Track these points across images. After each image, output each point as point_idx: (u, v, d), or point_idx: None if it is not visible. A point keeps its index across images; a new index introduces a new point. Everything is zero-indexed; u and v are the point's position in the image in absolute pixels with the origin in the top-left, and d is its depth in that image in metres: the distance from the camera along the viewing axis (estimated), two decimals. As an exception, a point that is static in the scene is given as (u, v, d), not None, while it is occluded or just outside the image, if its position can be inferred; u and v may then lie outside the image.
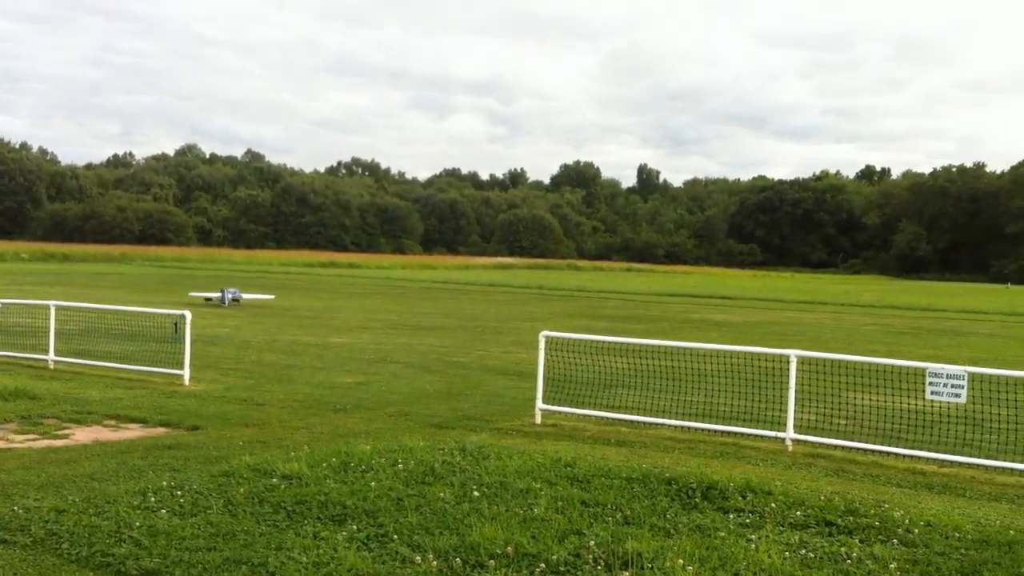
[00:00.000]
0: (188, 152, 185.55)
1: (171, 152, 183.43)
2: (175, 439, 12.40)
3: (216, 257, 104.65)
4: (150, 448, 11.69)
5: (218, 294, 39.87)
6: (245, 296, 41.32)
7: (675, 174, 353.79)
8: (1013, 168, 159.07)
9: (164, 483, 9.48)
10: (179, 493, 9.09)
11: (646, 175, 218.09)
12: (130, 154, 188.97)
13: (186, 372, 17.25)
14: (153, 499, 8.87)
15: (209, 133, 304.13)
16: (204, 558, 7.34)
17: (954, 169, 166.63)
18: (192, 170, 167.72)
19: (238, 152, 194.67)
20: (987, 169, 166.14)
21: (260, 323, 31.45)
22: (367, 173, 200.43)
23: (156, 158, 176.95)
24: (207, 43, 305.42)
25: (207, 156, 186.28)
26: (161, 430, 13.15)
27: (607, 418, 14.80)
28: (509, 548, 7.61)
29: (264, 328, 29.56)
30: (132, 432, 12.94)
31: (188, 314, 17.52)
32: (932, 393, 12.34)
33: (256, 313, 36.06)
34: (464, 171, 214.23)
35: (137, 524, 8.09)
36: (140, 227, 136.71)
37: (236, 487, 9.35)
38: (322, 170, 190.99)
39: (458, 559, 7.41)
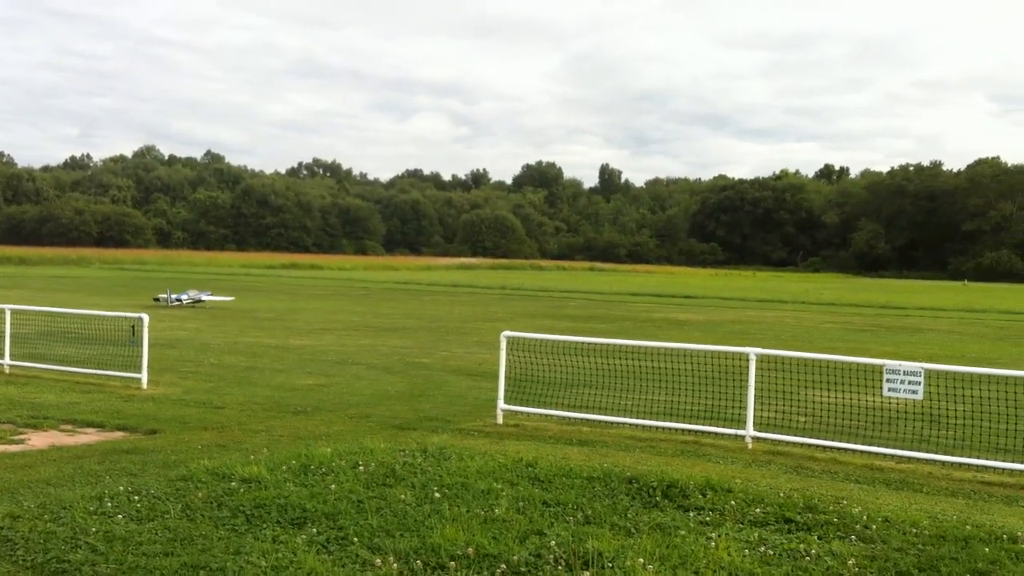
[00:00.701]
0: (147, 154, 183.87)
1: (129, 154, 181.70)
2: (132, 443, 12.25)
3: (176, 259, 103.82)
4: (107, 453, 11.55)
5: (164, 294, 40.36)
6: (204, 297, 41.15)
7: (637, 174, 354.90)
8: (970, 167, 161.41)
9: (121, 488, 9.36)
10: (136, 498, 8.98)
11: (608, 175, 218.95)
12: (88, 156, 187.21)
13: (144, 376, 17.06)
14: (110, 504, 8.75)
15: (168, 135, 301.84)
16: (161, 564, 7.26)
17: (912, 168, 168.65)
18: (151, 172, 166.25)
19: (197, 154, 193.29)
20: (944, 168, 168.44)
21: (220, 326, 31.20)
22: (328, 174, 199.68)
23: (114, 160, 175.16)
24: (165, 45, 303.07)
25: (166, 158, 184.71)
26: (118, 434, 13.00)
27: (569, 418, 14.81)
28: (470, 549, 7.59)
29: (224, 331, 29.33)
30: (89, 437, 12.77)
31: (146, 317, 17.34)
32: (889, 390, 12.46)
33: (216, 315, 35.77)
34: (426, 172, 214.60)
35: (93, 530, 7.99)
36: (98, 229, 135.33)
37: (194, 491, 9.25)
38: (283, 171, 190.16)
39: (419, 561, 7.38)
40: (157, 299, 40.64)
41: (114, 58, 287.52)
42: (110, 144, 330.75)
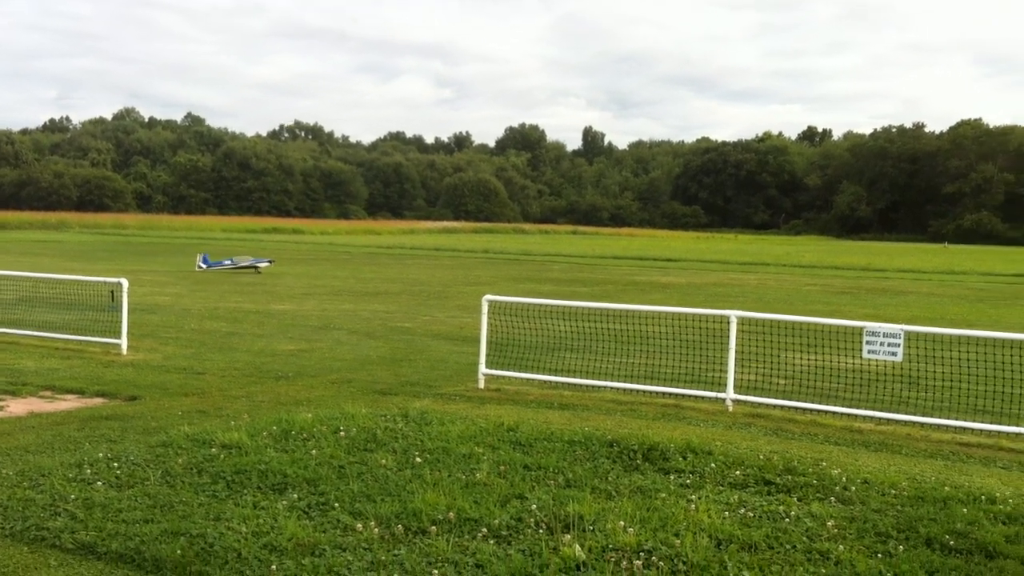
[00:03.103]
0: (127, 116, 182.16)
1: (109, 117, 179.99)
2: (112, 410, 12.20)
3: (156, 223, 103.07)
4: (86, 419, 11.50)
5: (201, 262, 41.79)
6: (261, 265, 42.34)
7: (621, 136, 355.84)
8: (952, 129, 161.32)
9: (101, 455, 9.33)
10: (116, 465, 8.95)
11: (591, 138, 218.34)
12: (67, 119, 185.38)
13: (124, 341, 16.97)
14: (89, 471, 8.72)
15: (149, 97, 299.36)
16: (141, 530, 7.24)
17: (894, 130, 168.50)
18: (131, 135, 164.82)
19: (178, 116, 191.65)
20: (926, 130, 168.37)
21: (201, 291, 31.07)
22: (311, 137, 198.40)
23: (94, 122, 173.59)
24: (148, 6, 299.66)
25: (146, 120, 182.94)
26: (98, 401, 12.94)
27: (550, 382, 14.84)
28: (451, 514, 7.60)
29: (205, 296, 29.21)
30: (68, 403, 12.71)
31: (125, 282, 17.23)
32: (869, 352, 12.52)
33: (197, 280, 35.63)
34: (409, 134, 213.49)
35: (73, 497, 7.96)
36: (78, 193, 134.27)
37: (174, 458, 9.23)
38: (264, 134, 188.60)
39: (400, 526, 7.38)
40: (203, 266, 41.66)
41: (96, 18, 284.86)
42: (90, 106, 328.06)
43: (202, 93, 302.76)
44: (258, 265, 41.87)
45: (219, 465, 8.93)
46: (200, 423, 10.99)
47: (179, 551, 6.84)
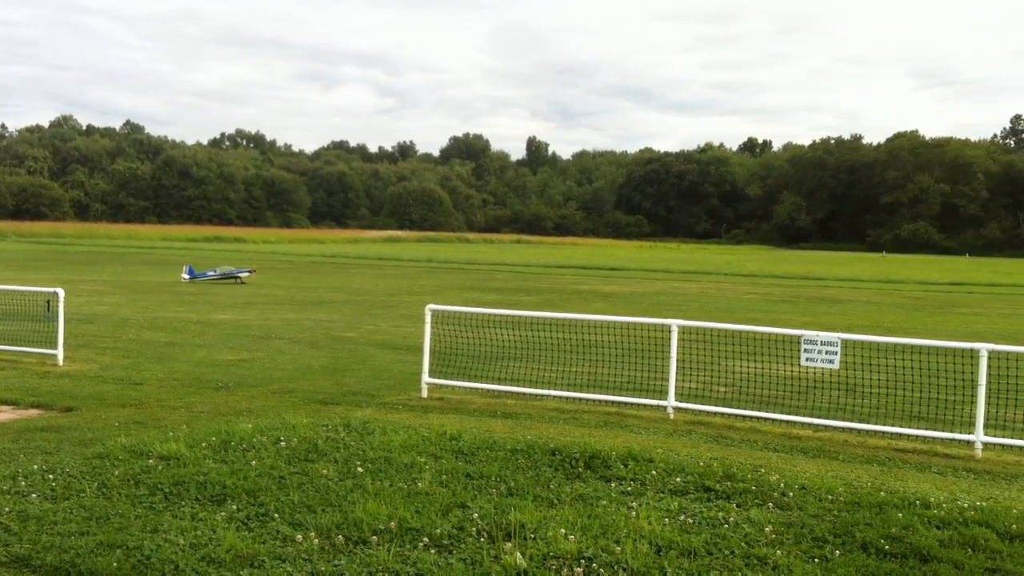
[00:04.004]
0: (64, 124, 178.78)
1: (46, 124, 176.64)
2: (48, 421, 11.99)
3: (94, 232, 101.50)
4: (21, 431, 11.28)
5: (185, 273, 41.21)
6: (242, 275, 41.71)
7: (564, 147, 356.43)
8: (889, 140, 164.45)
9: (35, 467, 9.15)
10: (51, 477, 8.79)
11: (535, 148, 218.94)
12: (3, 126, 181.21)
13: (60, 352, 16.68)
14: (24, 483, 8.56)
15: (86, 105, 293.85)
16: (77, 543, 7.12)
17: (832, 141, 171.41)
18: (68, 142, 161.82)
19: (116, 124, 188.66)
20: (864, 141, 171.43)
21: (140, 300, 30.64)
22: (252, 145, 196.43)
23: (30, 130, 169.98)
24: (85, 12, 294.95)
25: (84, 128, 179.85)
26: (33, 412, 12.71)
27: (494, 390, 14.85)
28: (392, 523, 7.57)
29: (144, 305, 28.80)
30: (2, 415, 12.46)
31: (61, 292, 16.94)
32: (807, 360, 12.70)
33: (136, 289, 35.11)
34: (352, 143, 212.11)
35: (7, 509, 7.81)
36: (14, 202, 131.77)
37: (111, 469, 9.09)
38: (205, 142, 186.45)
39: (340, 536, 7.34)
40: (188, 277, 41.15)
41: (30, 25, 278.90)
42: (25, 114, 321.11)
43: (141, 101, 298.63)
44: (239, 275, 41.22)
45: (157, 476, 8.81)
46: (138, 434, 10.83)
47: (115, 564, 6.74)
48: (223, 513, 7.86)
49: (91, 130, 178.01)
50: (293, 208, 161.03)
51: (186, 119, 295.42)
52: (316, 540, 7.25)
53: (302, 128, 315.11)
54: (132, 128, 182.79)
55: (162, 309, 27.66)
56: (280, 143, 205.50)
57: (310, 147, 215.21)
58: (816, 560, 7.22)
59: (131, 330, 22.08)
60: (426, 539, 7.33)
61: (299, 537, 7.30)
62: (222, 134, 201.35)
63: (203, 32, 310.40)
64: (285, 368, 17.09)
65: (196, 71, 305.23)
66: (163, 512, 7.90)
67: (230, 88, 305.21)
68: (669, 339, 13.67)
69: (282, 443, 10.16)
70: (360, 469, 9.25)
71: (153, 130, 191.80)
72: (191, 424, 11.57)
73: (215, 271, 42.24)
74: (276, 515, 7.82)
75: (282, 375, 16.29)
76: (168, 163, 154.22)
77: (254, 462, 9.35)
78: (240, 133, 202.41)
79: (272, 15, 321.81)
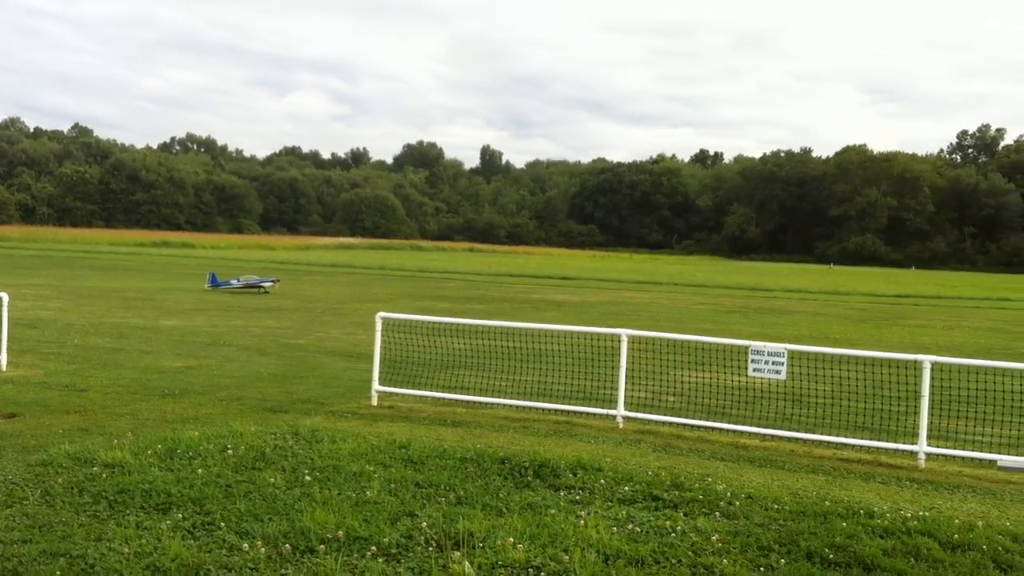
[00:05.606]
0: (11, 126, 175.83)
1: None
2: (-11, 428, 11.77)
3: (40, 236, 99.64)
4: (-39, 438, 11.07)
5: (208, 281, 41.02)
6: (266, 284, 41.23)
7: (518, 156, 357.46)
8: (838, 154, 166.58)
9: (-25, 475, 9.00)
10: (-9, 485, 8.64)
11: (489, 156, 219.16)
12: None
13: (3, 357, 16.38)
14: (-38, 492, 8.41)
15: (35, 108, 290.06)
16: (19, 551, 7.02)
17: (783, 154, 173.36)
18: (15, 145, 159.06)
19: (65, 127, 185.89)
20: (814, 155, 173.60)
21: (85, 305, 30.19)
22: (203, 150, 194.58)
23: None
24: (34, 15, 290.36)
25: (31, 131, 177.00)
26: (-26, 419, 12.46)
27: (444, 399, 14.82)
28: (340, 532, 7.54)
29: (89, 311, 28.39)
30: (-58, 421, 12.21)
31: (5, 296, 16.65)
32: (754, 370, 12.83)
33: (81, 294, 34.60)
34: (305, 150, 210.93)
35: (-56, 519, 7.67)
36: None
37: (54, 477, 8.96)
38: (155, 147, 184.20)
39: (287, 545, 7.29)
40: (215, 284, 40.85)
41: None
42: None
43: (90, 104, 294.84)
44: (263, 284, 40.74)
45: (101, 484, 8.70)
46: (82, 441, 10.68)
47: (59, 572, 6.66)
48: (168, 522, 7.77)
49: (39, 132, 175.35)
50: (244, 214, 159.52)
51: (138, 124, 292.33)
52: (263, 549, 7.20)
53: (255, 134, 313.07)
54: (81, 131, 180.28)
55: (108, 314, 27.28)
56: (232, 149, 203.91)
57: (262, 153, 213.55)
58: (762, 569, 7.30)
59: (76, 335, 21.75)
60: (374, 548, 7.30)
61: (245, 546, 7.25)
62: (173, 139, 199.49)
63: (156, 37, 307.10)
64: (233, 375, 16.93)
65: (148, 76, 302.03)
66: (107, 520, 7.80)
67: (183, 93, 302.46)
68: (619, 349, 13.75)
69: (229, 451, 10.07)
70: (308, 478, 9.20)
71: (102, 134, 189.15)
72: (136, 431, 11.43)
73: (239, 280, 41.53)
74: (222, 524, 7.75)
75: (230, 382, 16.13)
76: (117, 167, 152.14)
77: (200, 470, 9.26)
78: (191, 138, 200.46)
79: (228, 22, 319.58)
